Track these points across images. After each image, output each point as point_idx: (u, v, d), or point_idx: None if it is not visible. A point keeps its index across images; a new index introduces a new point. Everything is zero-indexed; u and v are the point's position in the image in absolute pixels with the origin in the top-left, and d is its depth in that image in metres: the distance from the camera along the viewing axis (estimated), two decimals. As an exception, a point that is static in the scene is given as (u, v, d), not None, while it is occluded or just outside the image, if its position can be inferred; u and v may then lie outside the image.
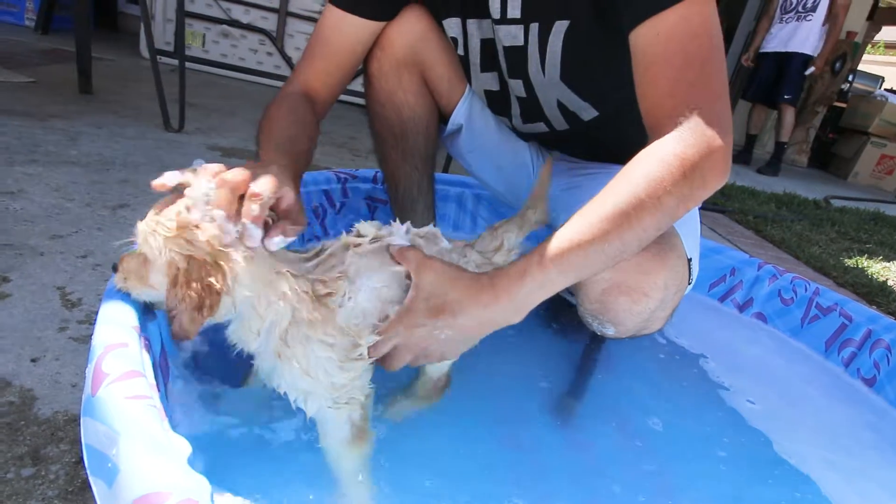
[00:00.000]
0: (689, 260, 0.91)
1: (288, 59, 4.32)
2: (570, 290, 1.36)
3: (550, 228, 0.78)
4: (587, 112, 1.07)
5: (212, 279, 0.61)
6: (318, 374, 0.69)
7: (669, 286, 0.84)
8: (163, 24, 4.04)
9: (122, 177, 1.81)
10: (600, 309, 0.85)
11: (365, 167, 1.58)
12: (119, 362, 0.56)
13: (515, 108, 1.17)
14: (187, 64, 2.63)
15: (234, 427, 0.80)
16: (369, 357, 0.73)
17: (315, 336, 0.69)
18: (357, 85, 1.18)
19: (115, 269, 0.69)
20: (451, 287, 0.72)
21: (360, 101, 1.39)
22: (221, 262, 0.62)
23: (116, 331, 0.61)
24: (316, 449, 0.75)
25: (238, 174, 0.66)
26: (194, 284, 0.61)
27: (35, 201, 1.49)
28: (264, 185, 0.66)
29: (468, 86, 1.22)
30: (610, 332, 0.88)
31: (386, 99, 1.17)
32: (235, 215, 0.64)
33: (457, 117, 1.24)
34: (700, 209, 1.14)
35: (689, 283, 0.92)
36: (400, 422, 0.89)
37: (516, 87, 1.10)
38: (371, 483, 0.75)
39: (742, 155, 5.58)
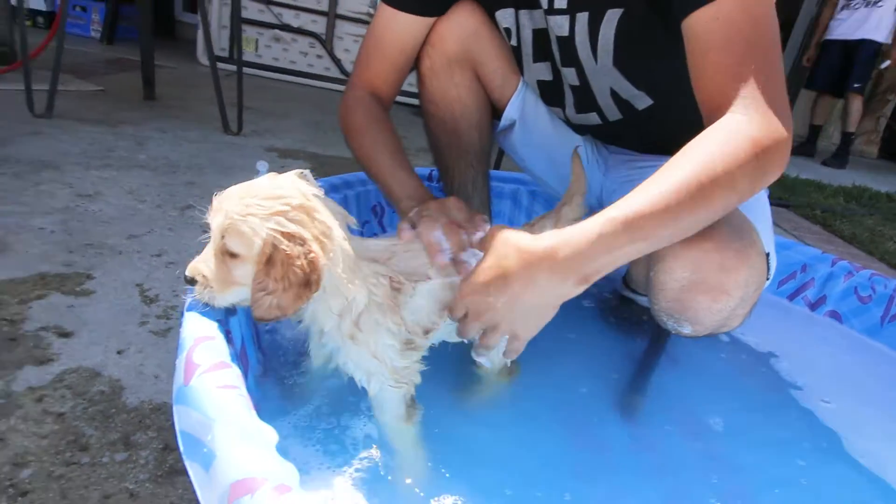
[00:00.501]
0: (767, 255, 0.88)
1: (337, 61, 4.40)
2: (637, 287, 1.35)
3: None
4: (641, 101, 1.05)
5: (315, 255, 0.63)
6: (383, 357, 0.75)
7: (750, 283, 0.81)
8: (218, 30, 4.18)
9: (187, 179, 1.89)
10: (678, 308, 0.83)
11: (415, 165, 1.60)
12: (208, 354, 0.59)
13: (569, 98, 1.16)
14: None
15: (305, 411, 0.83)
16: (449, 317, 0.76)
17: (384, 323, 0.74)
18: (406, 85, 1.20)
19: (191, 282, 0.69)
20: (511, 252, 0.70)
21: (408, 100, 1.40)
22: (325, 240, 0.65)
23: (203, 324, 0.64)
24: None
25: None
26: (299, 261, 0.63)
27: (111, 203, 1.58)
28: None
29: (521, 80, 1.22)
30: (686, 330, 0.86)
31: (439, 97, 1.18)
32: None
33: (510, 112, 1.24)
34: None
35: (767, 279, 0.90)
36: (467, 416, 0.90)
37: (569, 75, 1.09)
38: (425, 455, 0.80)
39: (805, 146, 5.34)
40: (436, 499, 0.73)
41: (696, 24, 0.76)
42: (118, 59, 3.85)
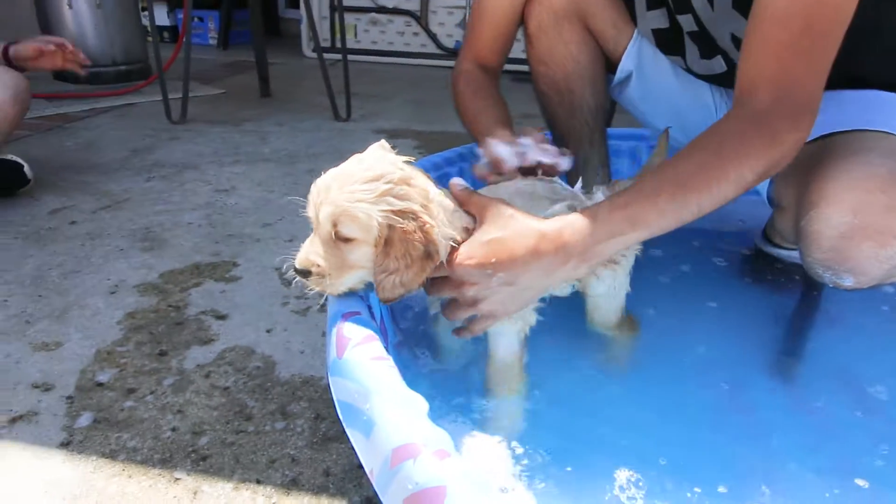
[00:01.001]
0: None
1: (433, 36, 4.41)
2: (782, 241, 1.23)
3: None
4: None
5: (429, 225, 0.64)
6: None
7: None
8: (319, 21, 4.34)
9: (307, 167, 1.99)
10: (836, 258, 0.74)
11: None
12: (357, 328, 0.62)
13: (690, 46, 1.07)
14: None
15: (441, 377, 0.86)
16: (429, 292, 0.72)
17: None
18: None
19: (304, 274, 0.69)
20: (515, 234, 0.67)
21: (508, 66, 1.37)
22: (428, 204, 0.66)
23: (348, 301, 0.67)
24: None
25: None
26: (416, 235, 0.63)
27: (245, 196, 1.71)
28: None
29: (636, 29, 1.14)
30: (848, 282, 0.76)
31: (548, 56, 1.14)
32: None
33: (626, 64, 1.17)
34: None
35: None
36: (599, 378, 0.88)
37: (686, 22, 1.01)
38: (524, 395, 0.82)
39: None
40: (576, 475, 0.72)
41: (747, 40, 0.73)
42: (234, 62, 4.13)
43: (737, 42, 0.97)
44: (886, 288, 1.18)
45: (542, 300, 0.80)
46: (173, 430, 0.85)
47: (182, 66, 2.41)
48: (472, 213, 0.71)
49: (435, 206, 0.67)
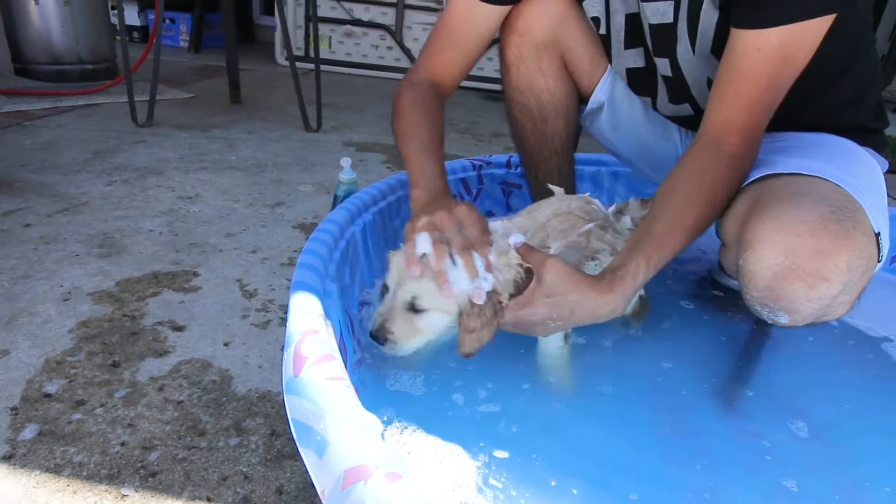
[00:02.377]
0: (878, 235, 0.80)
1: (407, 51, 4.44)
2: (732, 273, 1.28)
3: None
4: None
5: (500, 297, 0.80)
6: None
7: (854, 268, 0.74)
8: (293, 30, 4.33)
9: (275, 177, 1.98)
10: (771, 297, 0.78)
11: (489, 151, 1.60)
12: (315, 347, 0.62)
13: (661, 88, 1.11)
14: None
15: (399, 394, 0.86)
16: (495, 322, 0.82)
17: None
18: (475, 69, 1.19)
19: (377, 338, 0.82)
20: (572, 288, 0.79)
21: (479, 84, 1.42)
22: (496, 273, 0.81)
23: (308, 318, 0.68)
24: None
25: (459, 242, 0.80)
26: (491, 306, 0.79)
27: (209, 204, 1.69)
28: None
29: (609, 64, 1.18)
30: (783, 320, 0.80)
31: (525, 85, 1.17)
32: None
33: (598, 95, 1.21)
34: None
35: (879, 261, 0.82)
36: (554, 400, 0.90)
37: (662, 65, 1.05)
38: (574, 375, 0.98)
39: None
40: (525, 482, 0.73)
41: (741, 44, 0.83)
42: (205, 67, 4.08)
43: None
44: (832, 321, 1.24)
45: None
46: (122, 444, 0.83)
47: (151, 67, 2.37)
48: (532, 266, 0.82)
49: (498, 269, 0.81)
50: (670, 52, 1.01)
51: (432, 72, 1.11)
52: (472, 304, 0.78)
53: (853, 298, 0.79)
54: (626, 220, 1.03)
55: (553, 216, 0.96)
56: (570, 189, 1.26)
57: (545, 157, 1.23)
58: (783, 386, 1.01)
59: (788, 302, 0.77)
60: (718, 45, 0.93)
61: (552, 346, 0.98)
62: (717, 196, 0.87)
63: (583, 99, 1.22)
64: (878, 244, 0.80)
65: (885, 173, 1.00)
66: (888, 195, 0.97)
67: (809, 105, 0.94)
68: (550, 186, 1.07)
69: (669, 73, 1.05)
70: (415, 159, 0.97)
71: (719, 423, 0.90)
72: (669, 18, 0.96)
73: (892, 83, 5.63)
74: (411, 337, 0.81)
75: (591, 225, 0.95)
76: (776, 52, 0.81)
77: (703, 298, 1.28)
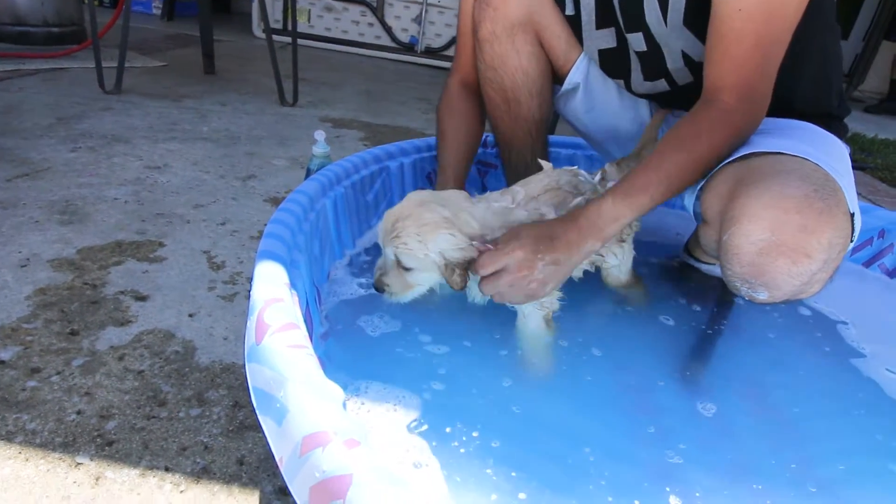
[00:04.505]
0: (853, 215, 0.82)
1: (388, 29, 4.37)
2: (701, 255, 1.30)
3: None
4: None
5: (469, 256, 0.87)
6: None
7: (834, 245, 0.75)
8: (271, 2, 4.23)
9: (247, 150, 1.94)
10: (754, 272, 0.78)
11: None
12: (278, 315, 0.61)
13: (635, 65, 1.11)
14: (298, 39, 2.74)
15: (363, 369, 0.86)
16: (476, 271, 0.88)
17: None
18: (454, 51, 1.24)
19: (379, 290, 0.90)
20: (548, 227, 0.88)
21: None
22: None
23: (273, 287, 0.66)
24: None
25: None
26: (462, 258, 0.86)
27: (178, 174, 1.65)
28: None
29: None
30: (762, 296, 0.81)
31: (499, 63, 1.15)
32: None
33: (574, 77, 1.20)
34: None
35: (852, 241, 0.84)
36: (525, 381, 0.90)
37: (635, 41, 1.04)
38: (552, 356, 0.99)
39: (886, 104, 4.95)
40: (487, 461, 0.74)
41: (723, 5, 0.85)
42: (179, 35, 3.96)
43: (687, 59, 1.02)
44: (793, 305, 1.27)
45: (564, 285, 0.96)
46: (79, 413, 0.81)
47: (120, 33, 2.29)
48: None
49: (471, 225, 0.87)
50: (642, 25, 1.01)
51: (461, 71, 1.25)
52: (446, 264, 0.85)
53: (828, 276, 0.81)
54: (612, 185, 1.05)
55: (544, 191, 0.99)
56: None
57: (519, 138, 1.22)
58: (743, 366, 1.04)
59: (770, 278, 0.78)
60: (690, 16, 0.94)
61: (530, 326, 0.98)
62: (701, 146, 0.88)
63: (558, 80, 1.22)
64: (852, 224, 0.82)
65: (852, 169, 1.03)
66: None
67: (779, 88, 0.95)
68: (540, 161, 1.09)
69: (644, 48, 1.04)
70: (440, 157, 1.19)
71: (681, 401, 0.91)
72: None
73: (864, 82, 5.76)
74: (405, 290, 0.89)
75: (580, 199, 0.98)
76: (758, 9, 0.82)
77: (670, 281, 1.30)
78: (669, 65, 1.05)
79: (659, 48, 1.03)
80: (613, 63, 1.14)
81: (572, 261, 0.88)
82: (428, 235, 0.83)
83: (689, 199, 1.00)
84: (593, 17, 1.08)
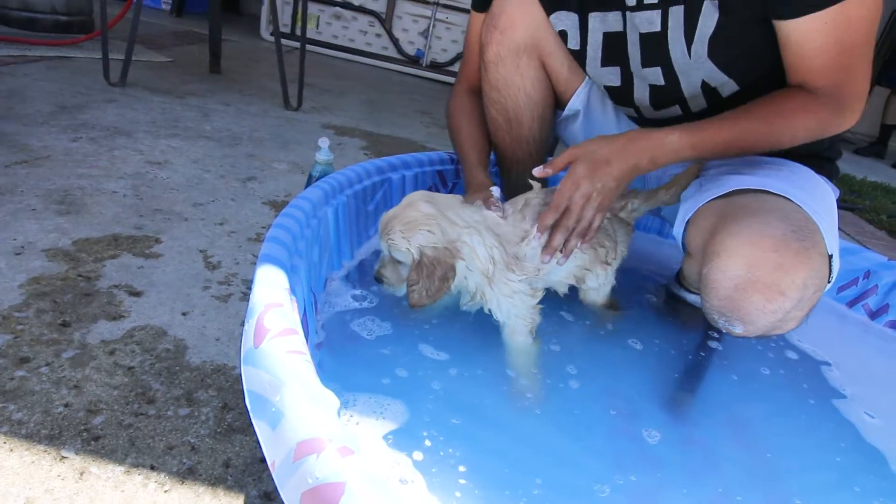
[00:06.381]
0: (830, 257, 0.85)
1: (395, 41, 4.41)
2: (690, 285, 1.32)
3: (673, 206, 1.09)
4: (728, 87, 1.02)
5: (450, 258, 0.92)
6: (516, 300, 0.98)
7: (809, 285, 0.78)
8: (281, 6, 4.26)
9: (249, 151, 1.95)
10: (730, 306, 0.81)
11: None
12: (278, 320, 0.61)
13: (643, 99, 1.12)
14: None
15: (354, 380, 0.86)
16: (551, 167, 0.97)
17: (512, 277, 0.97)
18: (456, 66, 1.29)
19: (378, 281, 0.99)
20: (603, 142, 0.94)
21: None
22: (459, 245, 0.92)
23: (274, 291, 0.67)
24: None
25: None
26: (439, 264, 0.90)
27: (179, 171, 1.65)
28: None
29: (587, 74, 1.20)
30: (738, 330, 0.83)
31: (503, 85, 1.18)
32: None
33: (575, 103, 1.23)
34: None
35: (829, 282, 0.86)
36: (513, 404, 0.91)
37: (651, 75, 1.06)
38: (538, 364, 1.01)
39: (874, 147, 5.06)
40: (470, 474, 0.74)
41: (797, 30, 0.86)
42: (186, 32, 3.97)
43: (705, 87, 1.04)
44: (777, 341, 1.29)
45: (549, 310, 1.04)
46: (66, 405, 0.81)
47: (129, 26, 2.30)
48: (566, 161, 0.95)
49: (467, 242, 0.92)
50: (662, 61, 1.02)
51: (468, 79, 1.29)
52: (414, 262, 0.91)
53: (804, 315, 0.83)
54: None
55: (526, 206, 1.03)
56: (544, 189, 1.28)
57: (519, 159, 1.24)
58: (727, 397, 1.05)
59: (745, 313, 0.80)
60: (714, 48, 0.95)
61: (519, 340, 1.00)
62: (779, 123, 0.90)
63: (559, 104, 1.24)
64: (829, 266, 0.84)
65: (839, 208, 1.06)
66: (841, 229, 1.02)
67: None
68: (530, 181, 1.10)
69: (661, 82, 1.06)
70: (463, 160, 1.25)
71: (666, 428, 0.92)
72: (657, 27, 0.98)
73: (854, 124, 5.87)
74: (400, 282, 0.95)
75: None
76: (837, 21, 0.83)
77: (659, 309, 1.31)
78: (686, 93, 1.06)
79: (676, 80, 1.05)
80: (619, 98, 1.17)
81: (627, 178, 0.94)
82: (409, 232, 0.90)
83: (678, 229, 1.02)
84: (599, 55, 1.10)
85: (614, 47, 1.06)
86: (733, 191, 0.92)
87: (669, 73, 1.03)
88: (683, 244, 1.04)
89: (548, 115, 1.24)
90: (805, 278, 0.77)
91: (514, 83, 1.17)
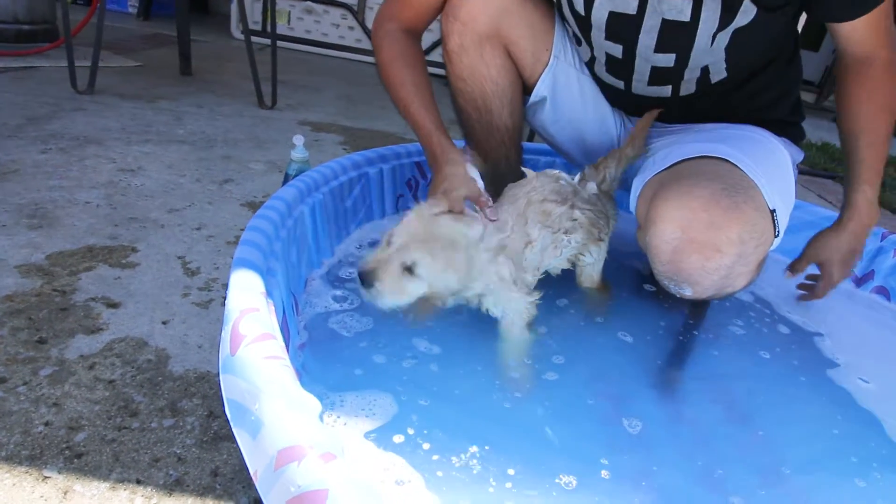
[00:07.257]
0: (773, 211, 0.85)
1: (369, 33, 4.36)
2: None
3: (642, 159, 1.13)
4: (718, 74, 1.04)
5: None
6: (516, 298, 0.97)
7: (746, 240, 0.79)
8: (250, 3, 4.19)
9: (224, 153, 1.91)
10: (673, 270, 0.82)
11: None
12: (254, 325, 0.60)
13: (642, 75, 1.10)
14: (277, 42, 2.72)
15: (341, 380, 0.85)
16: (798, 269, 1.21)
17: (514, 280, 0.96)
18: (437, 56, 1.22)
19: (363, 281, 0.85)
20: (847, 244, 1.14)
21: (438, 70, 1.42)
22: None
23: (248, 296, 0.65)
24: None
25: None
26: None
27: (152, 178, 1.62)
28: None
29: (551, 57, 1.18)
30: (688, 292, 0.84)
31: (468, 74, 1.16)
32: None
33: (540, 90, 1.21)
34: (808, 174, 1.15)
35: (776, 236, 0.87)
36: (502, 387, 0.91)
37: (663, 59, 1.04)
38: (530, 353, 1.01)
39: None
40: (466, 467, 0.74)
41: (851, 30, 0.95)
42: (155, 35, 3.90)
43: (703, 72, 1.04)
44: (765, 312, 1.30)
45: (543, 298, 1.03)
46: (46, 424, 0.79)
47: (94, 31, 2.24)
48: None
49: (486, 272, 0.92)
50: (681, 48, 1.00)
51: (404, 21, 1.14)
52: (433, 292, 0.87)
53: (750, 270, 0.84)
54: (591, 186, 1.12)
55: (528, 205, 1.02)
56: (518, 178, 1.26)
57: (492, 147, 1.23)
58: (716, 375, 1.05)
59: (688, 274, 0.81)
60: (735, 39, 0.96)
61: (514, 332, 1.00)
62: (884, 98, 0.99)
63: (527, 90, 1.23)
64: (773, 220, 0.85)
65: (808, 174, 1.09)
66: (822, 197, 1.05)
67: (736, 97, 1.01)
68: (523, 169, 1.12)
69: (671, 65, 1.04)
70: (420, 117, 1.07)
71: (657, 408, 0.92)
72: (686, 17, 0.95)
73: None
74: (395, 295, 0.84)
75: (561, 209, 1.03)
76: (880, 16, 0.92)
77: (642, 290, 1.31)
78: (686, 75, 1.06)
79: (685, 65, 1.04)
80: (617, 67, 1.13)
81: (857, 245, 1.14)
82: (451, 262, 0.86)
83: (632, 205, 1.03)
84: (603, 29, 1.06)
85: (618, 26, 1.03)
86: (676, 161, 0.93)
87: (683, 58, 1.02)
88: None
89: (517, 101, 1.22)
90: (740, 233, 0.78)
91: (480, 72, 1.15)
